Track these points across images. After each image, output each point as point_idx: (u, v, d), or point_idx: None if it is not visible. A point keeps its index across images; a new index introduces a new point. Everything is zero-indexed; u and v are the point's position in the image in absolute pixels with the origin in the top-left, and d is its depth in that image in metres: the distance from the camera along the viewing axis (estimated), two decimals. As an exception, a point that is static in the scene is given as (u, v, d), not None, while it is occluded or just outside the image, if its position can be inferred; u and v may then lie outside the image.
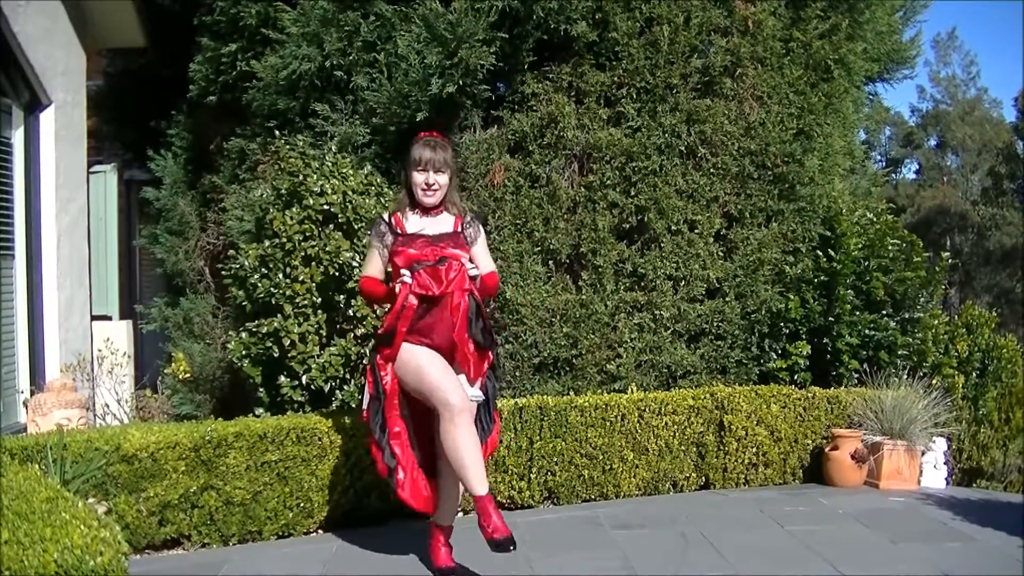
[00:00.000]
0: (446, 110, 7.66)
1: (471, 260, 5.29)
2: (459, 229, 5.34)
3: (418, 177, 5.24)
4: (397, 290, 5.12)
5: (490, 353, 5.28)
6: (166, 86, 9.33)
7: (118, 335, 9.68)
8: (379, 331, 5.36)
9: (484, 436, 5.30)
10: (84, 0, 8.72)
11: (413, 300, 5.08)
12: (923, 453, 7.91)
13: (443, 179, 5.27)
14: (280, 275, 6.72)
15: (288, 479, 6.16)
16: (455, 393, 4.98)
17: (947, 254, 9.88)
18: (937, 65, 53.99)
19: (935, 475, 8.03)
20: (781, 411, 7.81)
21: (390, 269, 5.37)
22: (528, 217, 7.89)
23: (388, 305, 5.44)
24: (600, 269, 7.99)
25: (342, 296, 6.87)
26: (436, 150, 5.24)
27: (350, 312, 6.88)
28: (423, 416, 5.20)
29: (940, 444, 8.06)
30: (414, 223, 5.31)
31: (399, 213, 5.36)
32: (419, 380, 5.09)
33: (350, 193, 6.94)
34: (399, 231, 5.28)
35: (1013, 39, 75.82)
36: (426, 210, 5.32)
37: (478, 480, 4.87)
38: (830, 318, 8.38)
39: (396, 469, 5.22)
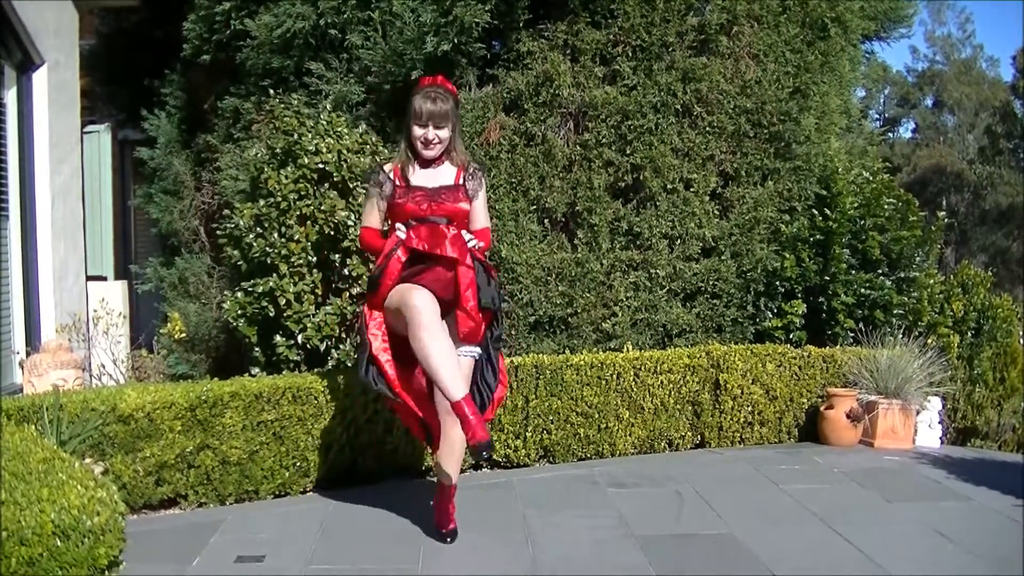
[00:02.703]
0: (441, 68, 7.61)
1: (470, 216, 5.26)
2: (460, 182, 5.24)
3: (417, 131, 5.12)
4: (389, 240, 5.08)
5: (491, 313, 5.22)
6: (159, 45, 9.27)
7: (113, 295, 9.68)
8: (369, 275, 5.22)
9: (489, 395, 5.29)
10: (76, -42, 8.68)
11: (401, 255, 5.00)
12: (918, 412, 7.94)
13: (444, 133, 5.15)
14: (275, 234, 6.70)
15: (284, 438, 6.16)
16: (428, 308, 4.82)
17: (943, 213, 9.86)
18: (932, 24, 53.81)
19: (930, 434, 8.07)
20: (776, 370, 7.82)
21: (389, 221, 5.31)
22: (524, 176, 7.88)
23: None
24: (596, 228, 7.98)
25: (337, 255, 6.86)
26: (437, 102, 5.09)
27: (345, 271, 6.87)
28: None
29: (935, 403, 8.09)
30: (414, 175, 5.21)
31: (398, 164, 5.25)
32: (398, 304, 4.93)
33: (345, 152, 6.92)
34: (398, 183, 5.19)
35: (1011, -3, 75.40)
36: (426, 162, 5.22)
37: (453, 385, 4.75)
38: (826, 277, 8.38)
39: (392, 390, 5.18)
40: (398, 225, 5.11)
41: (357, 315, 5.42)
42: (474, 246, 5.12)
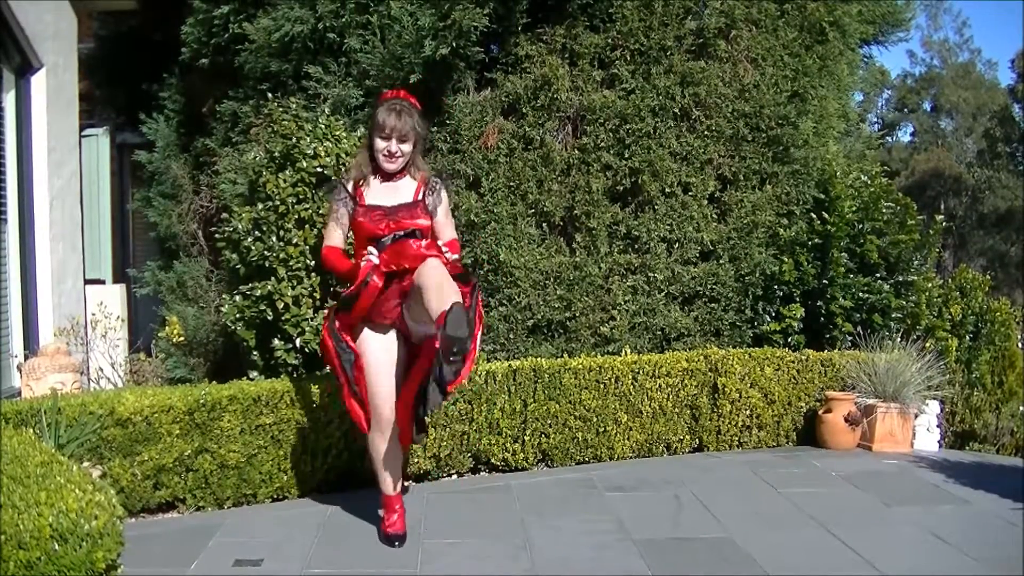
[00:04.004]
0: (439, 72, 7.63)
1: (433, 228, 5.28)
2: (419, 197, 5.25)
3: (380, 144, 5.16)
4: (362, 265, 5.06)
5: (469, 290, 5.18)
6: (158, 49, 9.26)
7: (111, 299, 9.68)
8: (342, 294, 5.32)
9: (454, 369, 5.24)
10: (74, -39, 8.68)
11: (378, 280, 5.02)
12: (916, 416, 7.94)
13: (406, 147, 5.18)
14: (273, 238, 6.70)
15: (282, 442, 6.17)
16: (387, 406, 5.16)
17: (941, 217, 9.88)
18: (928, 30, 53.85)
19: (928, 438, 8.07)
20: (775, 373, 7.83)
21: (351, 240, 5.42)
22: (522, 179, 7.88)
23: (348, 282, 5.43)
24: (594, 231, 7.98)
25: (336, 259, 6.86)
26: (401, 116, 5.13)
27: (344, 275, 6.87)
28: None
29: (933, 407, 8.10)
30: (374, 190, 5.24)
31: (359, 178, 5.28)
32: (366, 374, 5.20)
33: (343, 155, 6.91)
34: (358, 200, 5.22)
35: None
36: (387, 175, 5.25)
37: (388, 485, 5.41)
38: (824, 281, 8.39)
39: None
40: (370, 248, 5.08)
41: (326, 326, 5.40)
42: (453, 259, 5.14)
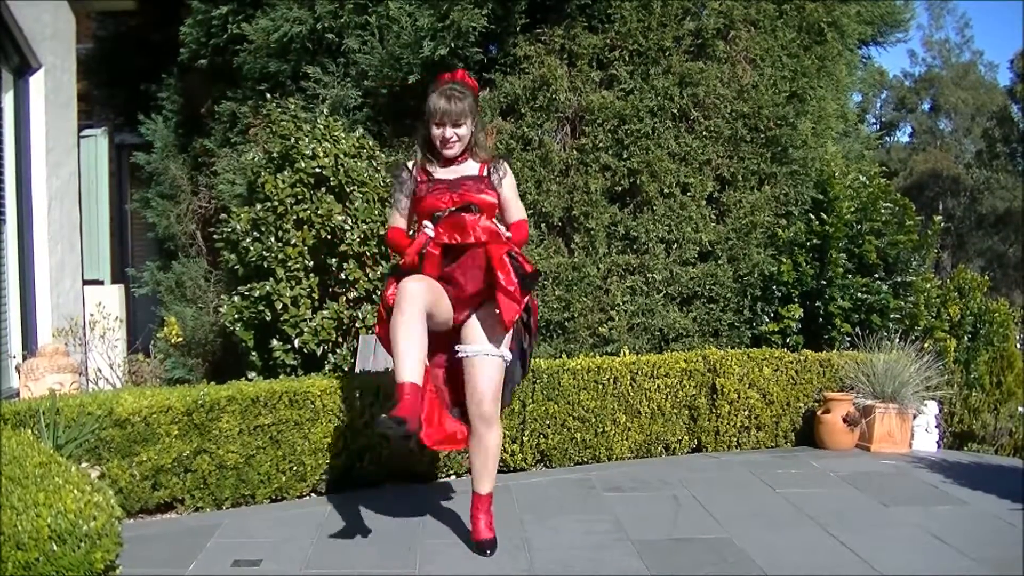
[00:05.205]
0: (438, 72, 7.62)
1: (501, 206, 5.13)
2: (484, 173, 5.12)
3: (435, 131, 5.01)
4: (418, 237, 4.93)
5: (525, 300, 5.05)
6: (156, 49, 9.27)
7: (110, 299, 9.67)
8: (400, 265, 5.09)
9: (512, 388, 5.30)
10: (72, -38, 8.68)
11: (435, 251, 4.86)
12: (915, 416, 7.93)
13: (462, 131, 5.02)
14: (272, 238, 6.70)
15: (281, 443, 6.16)
16: (412, 295, 4.68)
17: (939, 218, 9.89)
18: (930, 29, 53.86)
19: (926, 438, 8.06)
20: (773, 374, 7.82)
21: (415, 219, 5.20)
22: (520, 180, 7.87)
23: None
24: (592, 232, 7.98)
25: (334, 259, 6.86)
26: (451, 101, 4.96)
27: (342, 275, 6.87)
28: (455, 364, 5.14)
29: (931, 407, 8.08)
30: (437, 173, 5.10)
31: (421, 162, 5.13)
32: (392, 333, 4.75)
33: (342, 156, 6.92)
34: (419, 178, 5.08)
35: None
36: (448, 161, 5.10)
37: (404, 368, 4.60)
38: (822, 281, 8.39)
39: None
40: (425, 223, 4.98)
41: (381, 295, 5.20)
42: (507, 237, 5.00)
